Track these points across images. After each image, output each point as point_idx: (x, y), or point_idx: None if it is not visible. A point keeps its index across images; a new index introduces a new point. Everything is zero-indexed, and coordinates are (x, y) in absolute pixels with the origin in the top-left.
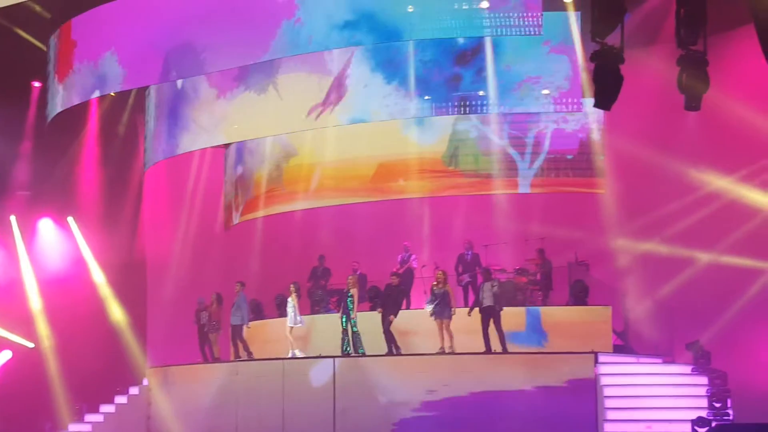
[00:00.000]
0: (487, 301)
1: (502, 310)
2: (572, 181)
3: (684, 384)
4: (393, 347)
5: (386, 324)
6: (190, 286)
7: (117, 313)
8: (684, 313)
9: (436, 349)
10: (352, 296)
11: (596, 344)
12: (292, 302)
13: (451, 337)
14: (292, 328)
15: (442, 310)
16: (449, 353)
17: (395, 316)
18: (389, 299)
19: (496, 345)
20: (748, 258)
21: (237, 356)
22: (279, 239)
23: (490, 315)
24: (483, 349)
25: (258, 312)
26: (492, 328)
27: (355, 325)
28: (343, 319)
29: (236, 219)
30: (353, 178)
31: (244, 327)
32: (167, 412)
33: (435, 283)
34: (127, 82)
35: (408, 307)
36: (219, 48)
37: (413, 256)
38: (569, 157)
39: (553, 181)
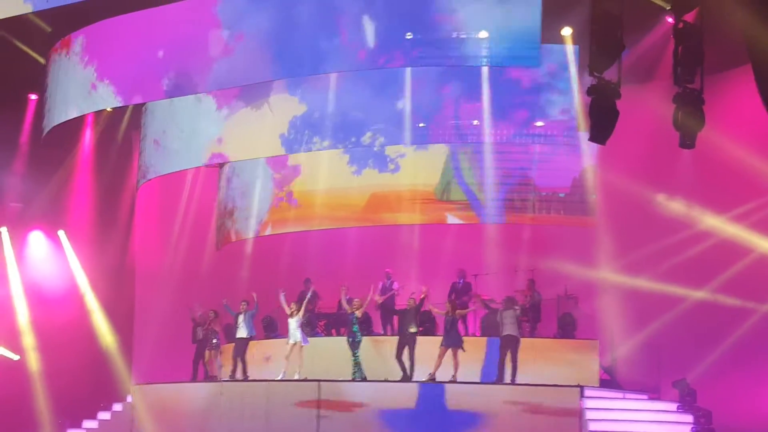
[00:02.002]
0: (509, 330)
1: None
2: (564, 219)
3: (669, 421)
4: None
5: (410, 349)
6: (179, 304)
7: (104, 328)
8: (671, 351)
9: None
10: (357, 318)
11: (582, 378)
12: (294, 321)
13: (457, 365)
14: (293, 347)
15: (452, 338)
16: (451, 381)
17: (416, 331)
18: (407, 319)
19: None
20: (738, 298)
21: (233, 374)
22: (269, 260)
23: (510, 344)
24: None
25: (272, 328)
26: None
27: (358, 349)
28: (350, 342)
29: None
30: (345, 207)
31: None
32: (150, 429)
33: (444, 312)
34: (124, 98)
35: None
36: (217, 67)
37: (395, 283)
38: (561, 195)
39: (545, 217)
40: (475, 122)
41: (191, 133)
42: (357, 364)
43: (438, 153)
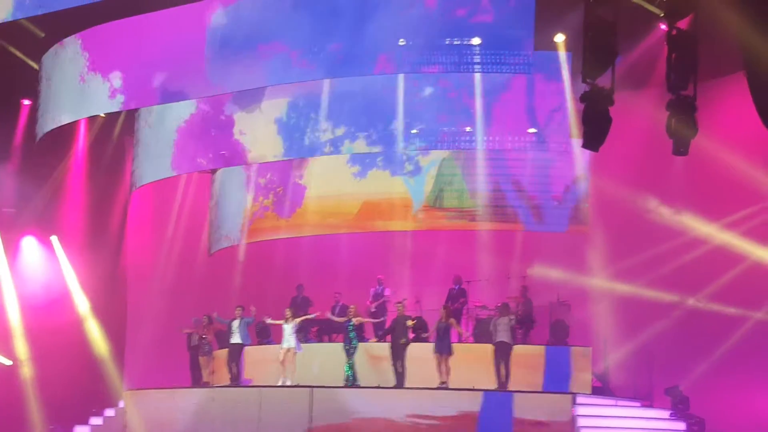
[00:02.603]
0: (502, 336)
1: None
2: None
3: (662, 429)
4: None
5: (401, 355)
6: (171, 309)
7: (96, 334)
8: (664, 358)
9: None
10: (354, 325)
11: (575, 385)
12: (290, 327)
13: (448, 371)
14: (286, 353)
15: (443, 344)
16: (444, 388)
17: (406, 342)
18: (398, 330)
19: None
20: (731, 305)
21: (232, 379)
22: (261, 266)
23: (504, 351)
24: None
25: (265, 334)
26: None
27: (353, 357)
28: (346, 349)
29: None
30: (337, 215)
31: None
32: None
33: (439, 318)
34: (118, 103)
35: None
36: (211, 73)
37: (386, 289)
38: (554, 203)
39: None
40: (468, 129)
41: (185, 137)
42: (351, 371)
43: (430, 160)
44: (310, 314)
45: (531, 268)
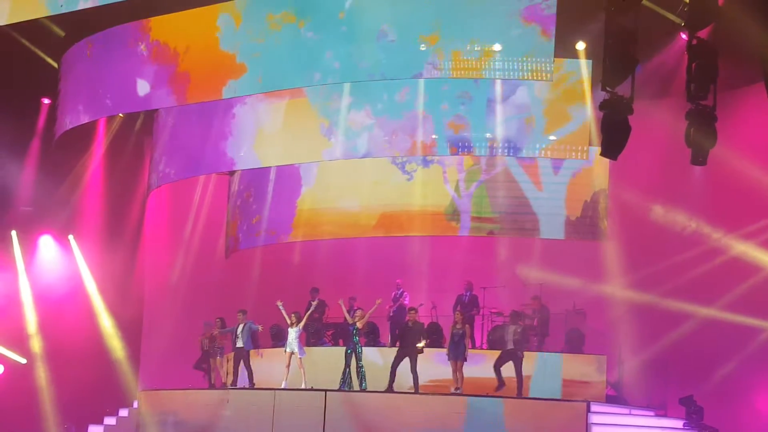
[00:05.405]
0: (510, 344)
1: (523, 355)
2: (575, 243)
3: None
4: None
5: (413, 362)
6: (187, 311)
7: (112, 333)
8: (678, 367)
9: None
10: (358, 329)
11: (589, 393)
12: (293, 332)
13: (461, 378)
14: (290, 356)
15: (458, 350)
16: (458, 393)
17: (421, 350)
18: (408, 337)
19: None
20: (747, 316)
21: (233, 384)
22: (278, 269)
23: (510, 358)
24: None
25: (280, 337)
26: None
27: (361, 359)
28: (347, 353)
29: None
30: (355, 226)
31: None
32: None
33: (453, 323)
34: (135, 104)
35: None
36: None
37: (405, 294)
38: (572, 218)
39: (555, 241)
40: (488, 135)
41: (202, 138)
42: (350, 374)
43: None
44: (310, 313)
45: (556, 276)
